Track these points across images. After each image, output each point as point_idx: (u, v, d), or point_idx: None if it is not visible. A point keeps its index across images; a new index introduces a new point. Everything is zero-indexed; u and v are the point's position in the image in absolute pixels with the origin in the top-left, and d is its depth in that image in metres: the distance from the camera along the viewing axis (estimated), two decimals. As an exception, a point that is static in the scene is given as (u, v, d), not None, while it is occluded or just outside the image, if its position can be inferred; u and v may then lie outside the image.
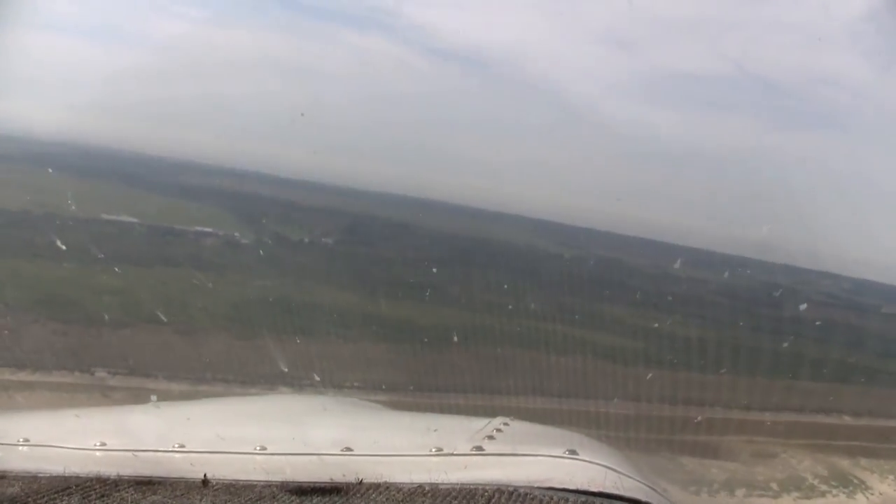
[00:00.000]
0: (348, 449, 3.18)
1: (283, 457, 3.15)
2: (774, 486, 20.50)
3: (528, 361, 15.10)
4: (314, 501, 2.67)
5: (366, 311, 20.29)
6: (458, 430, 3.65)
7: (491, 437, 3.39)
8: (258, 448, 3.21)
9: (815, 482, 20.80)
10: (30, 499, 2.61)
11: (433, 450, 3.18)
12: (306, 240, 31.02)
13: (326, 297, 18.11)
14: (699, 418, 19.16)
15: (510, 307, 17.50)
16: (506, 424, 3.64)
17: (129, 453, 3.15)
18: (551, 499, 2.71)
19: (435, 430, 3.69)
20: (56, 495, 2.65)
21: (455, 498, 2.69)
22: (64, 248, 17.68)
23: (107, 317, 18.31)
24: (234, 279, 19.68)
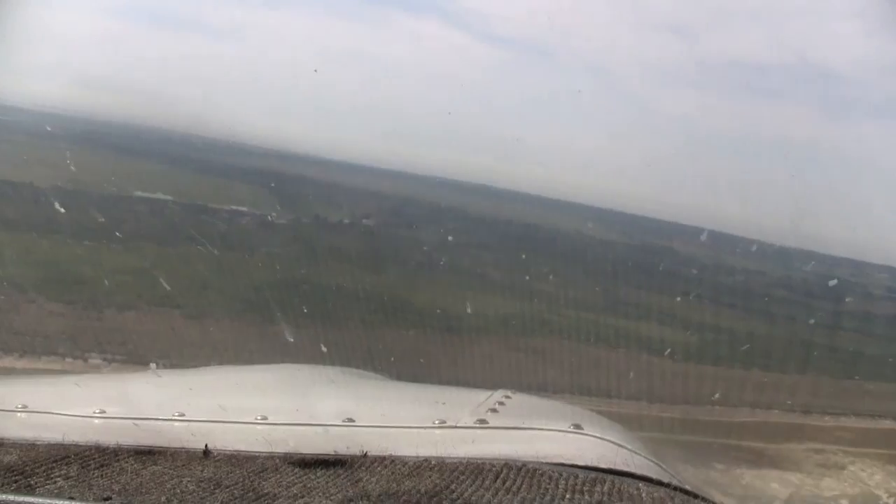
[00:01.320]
0: (350, 420, 3.12)
1: (285, 427, 3.09)
2: (845, 503, 18.90)
3: (574, 357, 14.20)
4: (318, 474, 2.59)
5: (398, 296, 19.30)
6: (460, 403, 3.61)
7: (494, 411, 3.38)
8: (260, 418, 3.15)
9: (890, 501, 19.16)
10: (27, 467, 2.53)
11: (436, 422, 3.14)
12: (346, 221, 30.19)
13: (357, 278, 17.07)
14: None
15: (554, 295, 16.54)
16: (507, 397, 3.66)
17: (129, 422, 3.09)
18: (560, 474, 2.62)
19: (437, 403, 3.64)
20: (55, 464, 2.57)
21: (462, 472, 2.61)
22: (86, 225, 17.03)
23: (113, 298, 17.56)
24: (261, 260, 18.62)
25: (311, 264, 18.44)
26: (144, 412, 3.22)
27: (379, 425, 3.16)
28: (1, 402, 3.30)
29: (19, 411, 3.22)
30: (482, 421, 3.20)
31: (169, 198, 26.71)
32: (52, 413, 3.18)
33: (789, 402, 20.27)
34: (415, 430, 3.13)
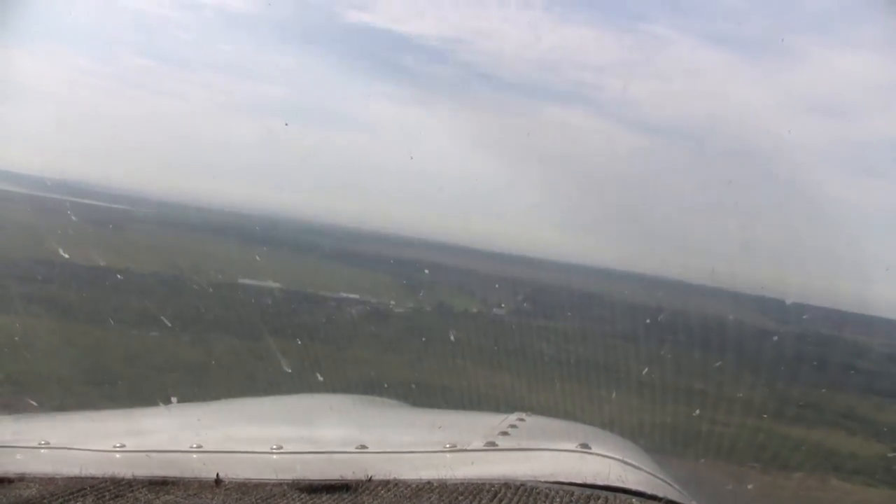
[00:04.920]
0: (362, 447, 3.37)
1: (294, 455, 3.34)
2: None
3: (747, 474, 11.30)
4: (324, 499, 2.72)
5: (526, 399, 16.57)
6: (473, 427, 3.93)
7: (505, 433, 3.69)
8: (271, 447, 3.38)
9: None
10: (45, 500, 2.64)
11: (447, 446, 3.39)
12: (474, 310, 27.50)
13: (478, 376, 14.61)
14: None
15: (716, 393, 13.78)
16: (521, 420, 4.02)
17: (144, 454, 3.32)
18: (556, 493, 2.72)
19: (450, 427, 4.00)
20: (71, 496, 2.69)
21: (462, 494, 2.70)
22: (174, 315, 15.35)
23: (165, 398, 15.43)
24: (360, 355, 16.03)
25: (423, 360, 16.02)
26: (158, 445, 3.44)
27: (388, 451, 3.37)
28: (24, 438, 3.47)
29: (42, 447, 3.36)
30: (491, 443, 3.38)
31: (276, 285, 24.91)
32: (72, 448, 3.37)
33: None
34: (422, 454, 3.34)
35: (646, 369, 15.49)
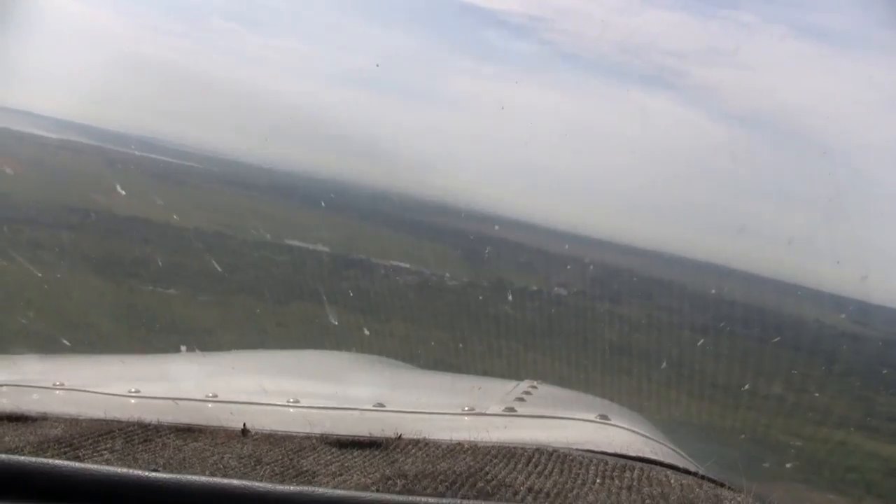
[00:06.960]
0: (380, 405, 3.23)
1: (321, 410, 3.17)
2: None
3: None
4: (354, 454, 2.62)
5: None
6: (487, 392, 3.80)
7: (521, 400, 3.51)
8: (296, 400, 3.23)
9: None
10: (74, 440, 2.58)
11: (466, 409, 3.23)
12: (534, 287, 25.79)
13: (524, 358, 13.10)
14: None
15: (794, 400, 12.08)
16: (533, 387, 3.84)
17: (168, 401, 3.17)
18: (591, 461, 2.65)
19: (465, 391, 4.02)
20: (100, 438, 2.63)
21: (495, 456, 2.62)
22: (195, 272, 14.21)
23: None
24: (399, 328, 14.52)
25: (466, 338, 14.51)
26: (181, 392, 3.22)
27: (411, 410, 3.17)
28: (40, 379, 3.33)
29: (57, 388, 3.24)
30: (510, 409, 3.21)
31: (325, 249, 23.69)
32: (90, 391, 3.23)
33: None
34: (446, 415, 3.15)
35: (714, 369, 13.87)
